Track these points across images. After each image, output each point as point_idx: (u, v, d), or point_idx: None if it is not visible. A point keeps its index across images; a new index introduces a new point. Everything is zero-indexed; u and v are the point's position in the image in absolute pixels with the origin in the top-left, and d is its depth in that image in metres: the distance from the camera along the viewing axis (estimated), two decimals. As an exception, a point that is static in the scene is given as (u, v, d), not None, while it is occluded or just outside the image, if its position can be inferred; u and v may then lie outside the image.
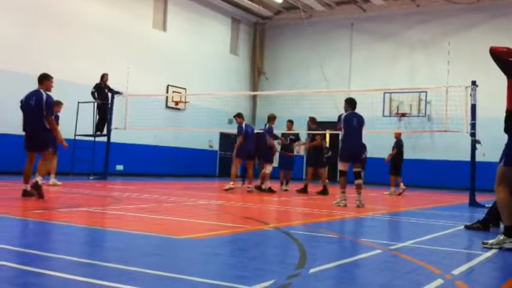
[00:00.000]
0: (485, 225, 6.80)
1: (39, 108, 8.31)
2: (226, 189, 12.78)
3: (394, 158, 15.29)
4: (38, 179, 8.29)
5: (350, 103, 10.29)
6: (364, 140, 18.53)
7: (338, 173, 10.69)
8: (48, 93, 8.53)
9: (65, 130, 10.83)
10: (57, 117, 13.11)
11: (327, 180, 14.10)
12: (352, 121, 10.07)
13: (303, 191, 13.80)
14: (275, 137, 14.47)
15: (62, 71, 16.72)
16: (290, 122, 14.84)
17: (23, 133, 8.65)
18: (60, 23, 17.19)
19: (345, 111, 10.26)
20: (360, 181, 10.17)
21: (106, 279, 3.26)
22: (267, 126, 13.97)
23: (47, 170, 8.69)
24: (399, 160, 15.35)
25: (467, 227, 6.94)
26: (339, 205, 9.82)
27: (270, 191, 13.22)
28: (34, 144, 8.52)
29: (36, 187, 8.21)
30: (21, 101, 8.62)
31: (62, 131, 9.14)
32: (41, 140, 8.48)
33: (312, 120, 14.42)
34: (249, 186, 13.10)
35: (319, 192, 13.75)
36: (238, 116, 13.53)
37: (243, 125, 13.32)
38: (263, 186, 13.38)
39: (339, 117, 10.25)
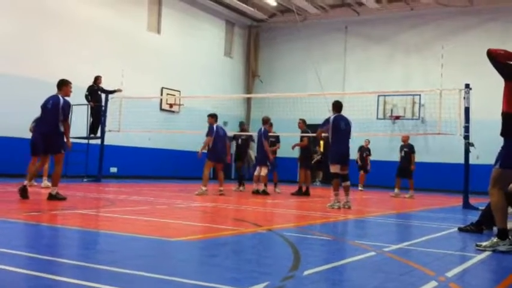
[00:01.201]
0: (478, 228, 6.82)
1: (55, 111, 8.60)
2: (198, 194, 12.02)
3: (405, 161, 15.51)
4: (51, 190, 8.61)
5: (336, 106, 10.34)
6: (360, 142, 18.83)
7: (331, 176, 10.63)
8: (66, 98, 8.81)
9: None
10: None
11: (318, 183, 14.10)
12: (340, 124, 10.12)
13: (300, 193, 13.80)
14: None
15: (56, 73, 16.55)
16: (269, 125, 14.77)
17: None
18: (56, 26, 17.11)
19: (333, 114, 10.31)
20: (348, 183, 10.24)
21: (98, 282, 3.26)
22: (262, 129, 13.92)
23: (60, 178, 8.84)
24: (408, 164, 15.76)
25: (460, 229, 6.96)
26: (333, 207, 9.84)
27: (265, 193, 13.21)
28: (49, 146, 8.76)
29: (52, 197, 8.49)
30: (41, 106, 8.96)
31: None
32: (56, 143, 8.70)
33: (302, 121, 14.42)
34: (220, 189, 12.61)
35: (293, 193, 13.91)
36: (211, 116, 12.98)
37: (214, 126, 12.82)
38: (260, 189, 13.37)
39: (327, 120, 10.27)
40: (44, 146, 8.89)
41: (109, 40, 18.83)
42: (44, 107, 8.84)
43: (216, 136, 12.76)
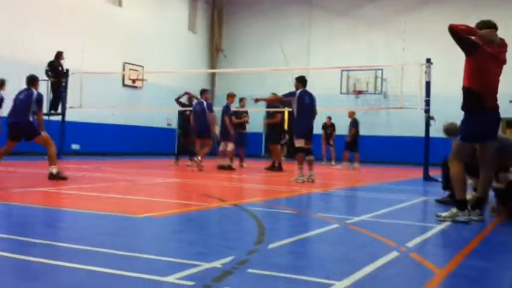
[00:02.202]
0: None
1: (27, 102, 8.98)
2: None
3: (353, 136, 16.08)
4: (52, 168, 8.76)
5: (301, 81, 10.35)
6: (323, 118, 18.96)
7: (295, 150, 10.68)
8: (38, 91, 9.33)
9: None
10: (1, 99, 12.73)
11: (283, 158, 14.18)
12: (304, 99, 10.16)
13: (274, 168, 13.67)
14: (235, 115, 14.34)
15: (13, 48, 16.14)
16: (241, 99, 14.83)
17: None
18: (10, -2, 16.52)
19: (296, 89, 10.31)
20: (312, 157, 10.32)
21: (61, 259, 3.21)
22: (225, 104, 13.92)
23: (55, 157, 9.10)
24: (357, 137, 16.30)
25: (438, 201, 7.05)
26: (298, 181, 9.94)
27: (230, 168, 13.22)
28: (26, 134, 9.07)
29: (53, 177, 8.65)
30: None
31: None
32: (31, 129, 9.05)
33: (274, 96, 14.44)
34: (188, 164, 12.72)
35: (267, 167, 13.86)
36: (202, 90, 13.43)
37: (193, 103, 13.40)
38: (225, 164, 13.32)
39: (293, 93, 10.26)
40: (16, 133, 9.10)
41: (69, 13, 18.26)
42: (15, 98, 9.18)
43: (194, 113, 13.04)
